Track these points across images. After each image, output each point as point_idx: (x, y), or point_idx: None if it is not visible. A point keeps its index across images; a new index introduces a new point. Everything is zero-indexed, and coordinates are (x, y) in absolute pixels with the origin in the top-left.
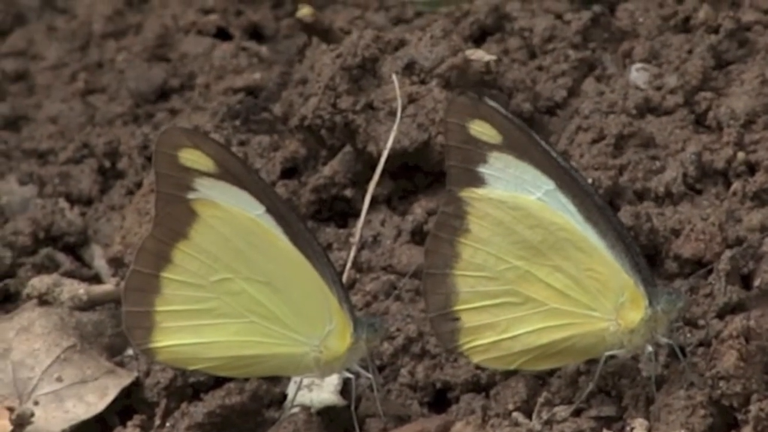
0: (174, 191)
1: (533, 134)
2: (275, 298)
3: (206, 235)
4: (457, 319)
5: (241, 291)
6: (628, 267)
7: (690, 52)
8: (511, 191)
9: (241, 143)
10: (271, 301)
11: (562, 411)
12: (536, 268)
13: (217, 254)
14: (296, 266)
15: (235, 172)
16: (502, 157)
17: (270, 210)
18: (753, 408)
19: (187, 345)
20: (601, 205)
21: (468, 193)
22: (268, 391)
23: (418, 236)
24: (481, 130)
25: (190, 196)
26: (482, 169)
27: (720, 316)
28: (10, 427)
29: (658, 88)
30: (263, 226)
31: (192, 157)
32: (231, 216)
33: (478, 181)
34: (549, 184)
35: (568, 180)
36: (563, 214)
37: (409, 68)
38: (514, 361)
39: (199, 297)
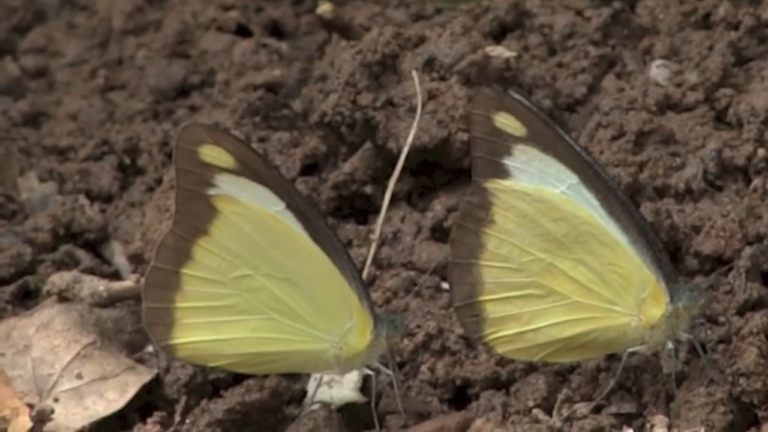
0: (194, 187)
1: (557, 128)
2: (295, 294)
3: (226, 231)
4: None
5: (261, 287)
6: (650, 263)
7: (710, 48)
8: (536, 184)
9: (261, 140)
10: (291, 298)
11: (582, 408)
12: (560, 261)
13: (237, 250)
14: (316, 263)
15: (256, 169)
16: (526, 149)
17: (290, 206)
18: None
19: (207, 342)
20: (624, 201)
21: (493, 185)
22: (288, 388)
23: (438, 233)
24: (506, 122)
25: (211, 192)
26: (507, 161)
27: (740, 313)
28: (30, 424)
29: (679, 85)
30: (283, 222)
31: (212, 153)
32: (251, 212)
33: (503, 173)
34: (573, 179)
35: (591, 175)
36: (586, 208)
37: (429, 65)
38: (538, 353)
39: (219, 293)
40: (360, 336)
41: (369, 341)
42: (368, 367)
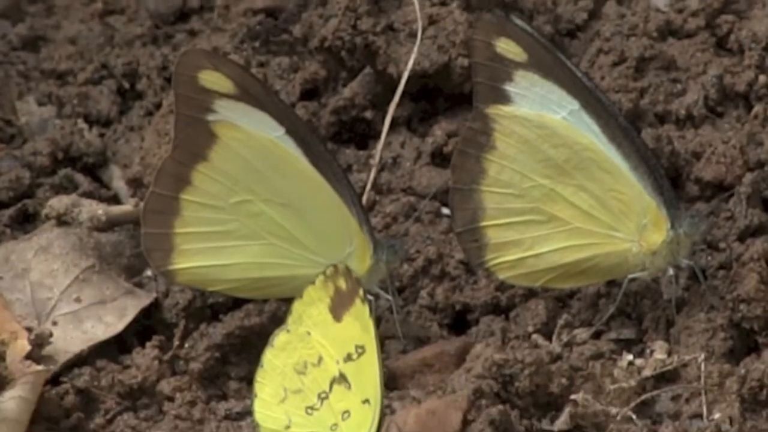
0: (193, 113)
1: (558, 53)
2: (295, 219)
3: (226, 156)
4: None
5: (260, 213)
6: (651, 189)
7: None
8: (537, 110)
9: (261, 65)
10: (290, 223)
11: (582, 333)
12: (561, 187)
13: (236, 176)
14: (316, 188)
15: (255, 94)
16: (527, 75)
17: (290, 132)
18: None
19: (207, 267)
20: (625, 127)
21: (494, 110)
22: (287, 312)
23: (438, 158)
24: (506, 47)
25: (210, 117)
26: (508, 87)
27: (741, 239)
28: (29, 348)
29: (680, 11)
30: (283, 147)
31: (212, 79)
32: (251, 138)
33: (504, 98)
34: (574, 104)
35: (592, 101)
36: (587, 134)
37: None
38: (539, 279)
39: (219, 219)
40: (360, 261)
41: (368, 266)
42: (368, 292)
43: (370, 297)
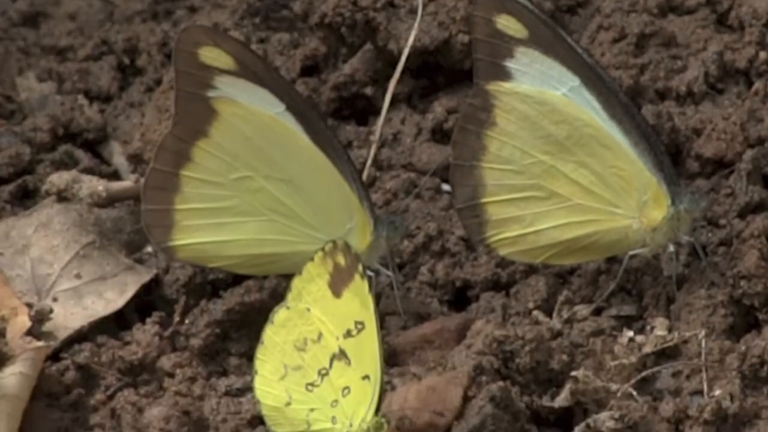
0: (194, 89)
1: (559, 30)
2: (295, 195)
3: (226, 133)
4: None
5: (260, 189)
6: (652, 165)
7: None
8: (537, 86)
9: (261, 41)
10: (291, 199)
11: (582, 310)
12: (561, 163)
13: (236, 152)
14: (316, 164)
15: (255, 70)
16: (528, 52)
17: (290, 108)
18: None
19: (207, 243)
20: (626, 103)
21: (495, 87)
22: (287, 288)
23: (438, 134)
24: (507, 24)
25: (210, 94)
26: (508, 64)
27: (741, 215)
28: (29, 324)
29: None
30: (283, 124)
31: (212, 55)
32: (251, 114)
33: (504, 75)
34: (574, 81)
35: (592, 77)
36: (588, 110)
37: None
38: (540, 255)
39: (219, 195)
40: (360, 237)
41: (369, 242)
42: (368, 268)
43: (370, 273)
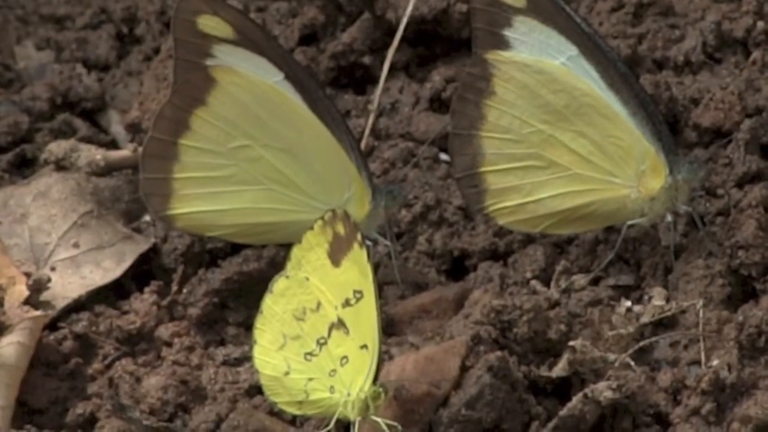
0: (192, 58)
1: None
2: (293, 164)
3: (225, 101)
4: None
5: (259, 158)
6: (650, 135)
7: None
8: (536, 55)
9: (259, 9)
10: (289, 168)
11: (580, 279)
12: (560, 132)
13: (235, 121)
14: (315, 133)
15: (254, 39)
16: (526, 21)
17: (288, 77)
18: None
19: (205, 212)
20: (624, 73)
21: (493, 56)
22: (286, 258)
23: (436, 103)
24: None
25: (209, 62)
26: (507, 33)
27: (739, 185)
28: (27, 293)
29: None
30: (282, 92)
31: (210, 23)
32: (249, 83)
33: (503, 44)
34: (572, 50)
35: (591, 46)
36: (586, 79)
37: None
38: (539, 225)
39: (217, 164)
40: (358, 206)
41: (367, 211)
42: (366, 237)
43: (369, 242)
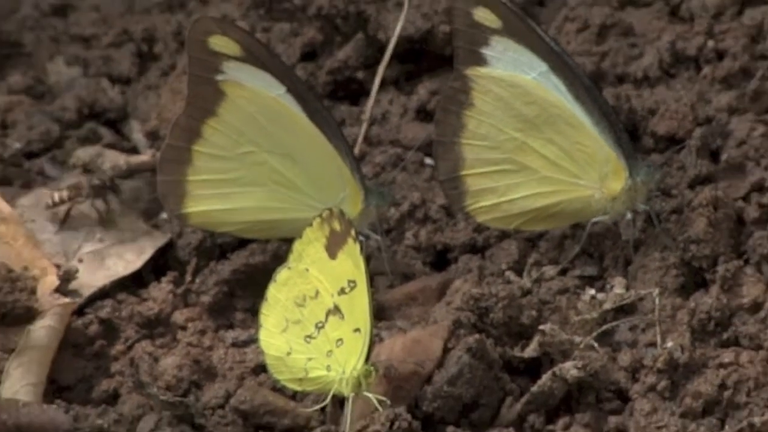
0: (204, 73)
1: (530, 21)
2: (295, 168)
3: (233, 112)
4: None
5: (264, 162)
6: (612, 141)
7: None
8: (510, 71)
9: (265, 30)
10: (290, 171)
11: (549, 270)
12: (531, 140)
13: (242, 130)
14: (313, 140)
15: (259, 56)
16: (502, 40)
17: (290, 90)
18: (720, 269)
19: (216, 210)
20: (589, 86)
21: (472, 71)
22: (288, 251)
23: (422, 114)
24: (483, 15)
25: (219, 77)
26: (485, 51)
27: (691, 186)
28: (57, 282)
29: None
30: (284, 104)
31: (220, 43)
32: (255, 95)
33: (481, 61)
34: (543, 66)
35: (559, 63)
36: (555, 93)
37: None
38: (513, 222)
39: (226, 168)
40: (352, 205)
41: (360, 210)
42: (359, 233)
43: (362, 237)
